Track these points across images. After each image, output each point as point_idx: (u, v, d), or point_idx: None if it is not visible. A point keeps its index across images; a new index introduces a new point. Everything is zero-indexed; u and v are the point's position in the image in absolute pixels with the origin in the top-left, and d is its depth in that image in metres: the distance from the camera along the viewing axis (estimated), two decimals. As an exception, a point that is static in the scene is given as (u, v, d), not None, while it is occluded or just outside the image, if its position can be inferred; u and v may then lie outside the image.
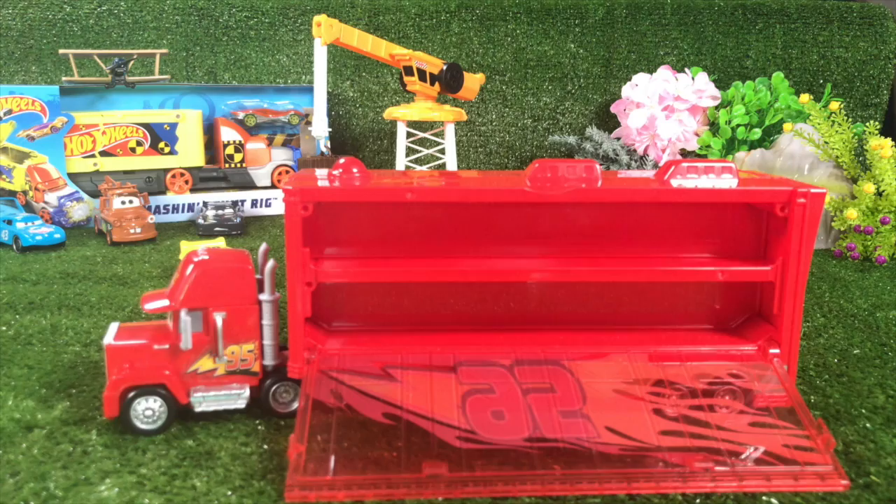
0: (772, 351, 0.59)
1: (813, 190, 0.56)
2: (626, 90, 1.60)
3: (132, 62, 1.44)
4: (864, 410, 0.61)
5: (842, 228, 1.15)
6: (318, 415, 0.51)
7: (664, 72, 1.58)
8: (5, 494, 0.47)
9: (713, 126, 1.55)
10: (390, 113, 1.38)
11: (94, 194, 1.35)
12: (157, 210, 1.42)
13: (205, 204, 1.43)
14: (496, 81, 1.79)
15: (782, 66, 1.77)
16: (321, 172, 0.62)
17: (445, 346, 0.59)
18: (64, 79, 1.41)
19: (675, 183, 0.58)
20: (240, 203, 1.47)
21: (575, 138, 1.66)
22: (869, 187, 1.10)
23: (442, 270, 0.59)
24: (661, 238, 0.63)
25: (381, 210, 0.61)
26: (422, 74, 1.33)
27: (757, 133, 1.47)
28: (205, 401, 0.56)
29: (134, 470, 0.50)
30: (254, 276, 0.57)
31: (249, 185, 1.55)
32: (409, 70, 1.33)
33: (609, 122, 1.76)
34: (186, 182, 1.48)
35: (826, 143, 1.19)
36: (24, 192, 1.35)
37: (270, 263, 0.57)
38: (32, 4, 1.66)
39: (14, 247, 1.15)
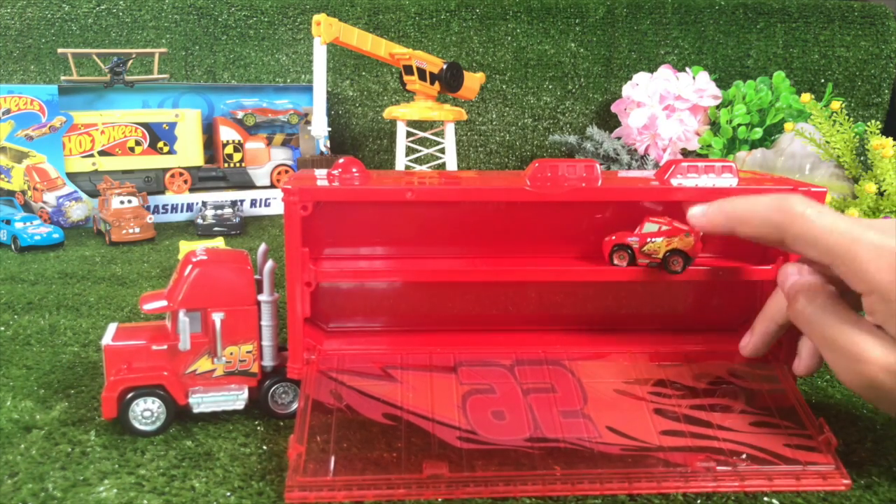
0: (773, 351, 0.59)
1: (814, 189, 0.56)
2: (627, 89, 1.60)
3: (131, 61, 1.43)
4: (865, 411, 0.61)
5: (843, 228, 1.14)
6: (317, 415, 0.51)
7: (665, 71, 1.58)
8: (4, 495, 0.47)
9: (714, 125, 1.55)
10: (390, 112, 1.37)
11: (93, 194, 1.35)
12: (155, 210, 1.42)
13: (204, 204, 1.43)
14: (496, 81, 1.79)
15: (783, 66, 1.77)
16: (320, 172, 0.61)
17: (445, 346, 0.59)
18: (63, 78, 1.41)
19: (675, 182, 0.57)
20: (239, 203, 1.47)
21: (575, 138, 1.66)
22: (870, 187, 1.09)
23: (442, 270, 0.59)
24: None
25: (380, 210, 0.61)
26: (422, 73, 1.32)
27: (758, 132, 1.46)
28: (203, 402, 0.56)
29: (133, 471, 0.50)
30: (253, 276, 0.57)
31: (248, 185, 1.54)
32: (408, 69, 1.33)
33: (610, 122, 1.76)
34: (185, 182, 1.47)
35: (827, 142, 1.19)
36: (23, 192, 1.35)
37: (269, 264, 0.57)
38: (31, 3, 1.66)
39: (12, 247, 1.15)
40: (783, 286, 0.53)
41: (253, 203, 1.51)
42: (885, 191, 1.14)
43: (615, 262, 0.58)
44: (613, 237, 0.58)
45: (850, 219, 0.47)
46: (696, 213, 0.55)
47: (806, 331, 0.50)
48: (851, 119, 1.23)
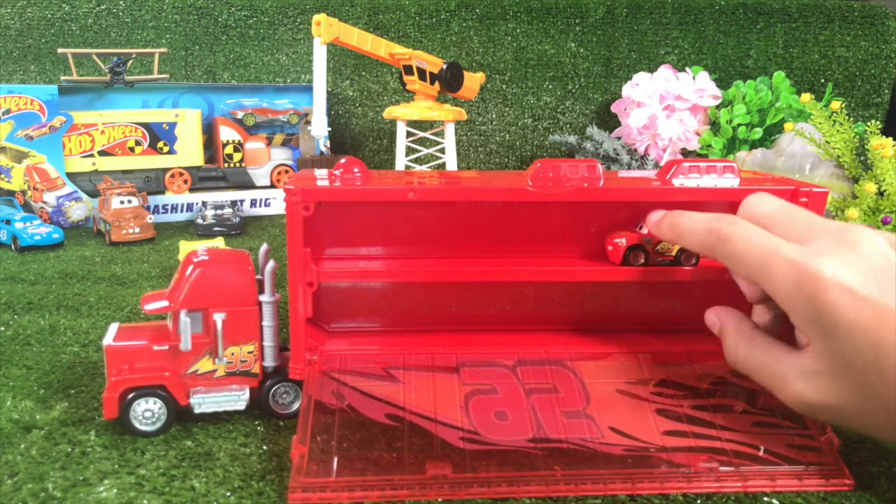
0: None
1: (815, 189, 0.56)
2: (627, 89, 1.60)
3: (131, 61, 1.43)
4: (867, 411, 0.61)
5: (843, 228, 1.14)
6: (320, 416, 0.51)
7: (665, 71, 1.58)
8: (4, 495, 0.47)
9: (714, 125, 1.55)
10: (390, 112, 1.37)
11: (93, 194, 1.35)
12: (155, 210, 1.41)
13: (204, 204, 1.43)
14: (496, 81, 1.79)
15: (783, 66, 1.77)
16: (321, 172, 0.61)
17: (447, 346, 0.59)
18: (63, 78, 1.41)
19: (677, 182, 0.57)
20: (239, 203, 1.47)
21: (575, 138, 1.66)
22: (870, 187, 1.09)
23: (444, 271, 0.59)
24: (663, 237, 0.63)
25: (382, 210, 0.61)
26: (422, 73, 1.32)
27: (758, 132, 1.46)
28: (205, 402, 0.56)
29: (133, 471, 0.50)
30: (254, 276, 0.57)
31: (248, 185, 1.54)
32: (408, 69, 1.33)
33: (609, 122, 1.76)
34: (185, 182, 1.47)
35: (827, 142, 1.19)
36: (23, 192, 1.35)
37: (271, 264, 0.56)
38: (31, 3, 1.66)
39: (12, 247, 1.15)
40: (713, 330, 0.55)
41: (253, 203, 1.51)
42: (885, 191, 1.14)
43: (631, 262, 0.59)
44: (624, 240, 0.59)
45: (771, 236, 0.48)
46: (652, 218, 0.57)
47: (742, 369, 0.51)
48: (851, 119, 1.23)
